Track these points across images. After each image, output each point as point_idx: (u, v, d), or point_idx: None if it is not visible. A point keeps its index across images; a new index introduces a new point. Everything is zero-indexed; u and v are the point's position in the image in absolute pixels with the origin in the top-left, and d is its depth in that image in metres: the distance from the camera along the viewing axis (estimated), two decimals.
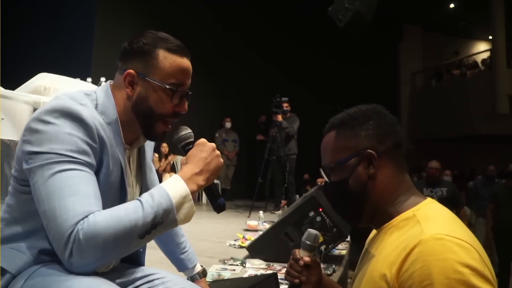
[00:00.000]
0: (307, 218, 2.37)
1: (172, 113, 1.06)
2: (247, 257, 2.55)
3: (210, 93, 7.80)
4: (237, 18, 8.20)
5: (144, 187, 1.17)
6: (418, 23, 12.56)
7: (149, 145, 1.22)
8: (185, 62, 1.06)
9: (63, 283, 0.87)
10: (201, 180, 0.98)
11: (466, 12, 11.81)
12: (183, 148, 1.07)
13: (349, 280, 2.70)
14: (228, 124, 7.72)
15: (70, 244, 0.84)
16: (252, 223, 3.87)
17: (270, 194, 6.40)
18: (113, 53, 1.11)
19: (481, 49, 13.16)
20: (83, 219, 0.85)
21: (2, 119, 1.79)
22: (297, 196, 5.36)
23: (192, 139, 1.08)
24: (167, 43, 1.04)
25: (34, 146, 0.91)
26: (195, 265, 1.40)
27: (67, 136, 0.91)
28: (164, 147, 6.52)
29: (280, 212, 4.81)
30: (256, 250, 2.53)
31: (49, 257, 0.94)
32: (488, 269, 0.78)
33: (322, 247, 2.32)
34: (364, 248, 1.02)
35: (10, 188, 1.00)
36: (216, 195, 1.05)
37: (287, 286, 1.11)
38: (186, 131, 1.08)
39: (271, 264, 2.40)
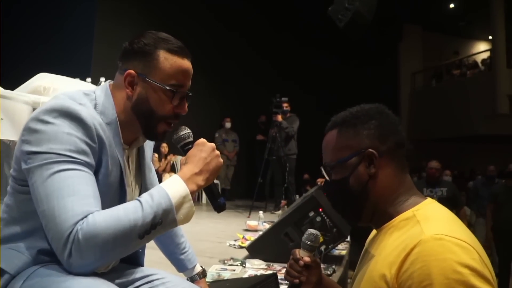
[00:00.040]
0: (307, 218, 2.37)
1: (172, 114, 1.05)
2: (247, 257, 2.55)
3: (210, 93, 7.80)
4: (237, 18, 8.20)
5: (143, 187, 1.17)
6: (418, 23, 12.56)
7: (149, 145, 1.21)
8: (186, 63, 1.06)
9: (62, 284, 0.87)
10: (200, 180, 0.98)
11: (466, 12, 11.81)
12: (183, 148, 1.07)
13: (349, 280, 2.70)
14: (228, 124, 7.72)
15: (69, 244, 0.84)
16: (252, 223, 3.87)
17: (270, 194, 6.40)
18: (113, 53, 1.10)
19: (481, 49, 13.16)
20: (82, 219, 0.85)
21: (2, 119, 1.79)
22: (297, 196, 5.36)
23: (191, 139, 1.07)
24: (168, 43, 1.04)
25: (33, 146, 0.91)
26: (195, 265, 1.40)
27: (66, 136, 0.91)
28: (164, 147, 6.52)
29: (280, 212, 4.81)
30: (256, 250, 2.53)
31: (48, 257, 0.94)
32: (487, 270, 0.78)
33: (322, 247, 2.32)
34: (364, 248, 1.02)
35: (8, 188, 1.00)
36: (216, 195, 1.04)
37: (287, 286, 1.10)
38: (186, 131, 1.08)
39: (271, 264, 2.39)
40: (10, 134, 1.86)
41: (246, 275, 2.15)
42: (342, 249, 2.93)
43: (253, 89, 7.98)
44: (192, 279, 1.38)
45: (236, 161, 7.84)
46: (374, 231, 1.00)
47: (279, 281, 1.65)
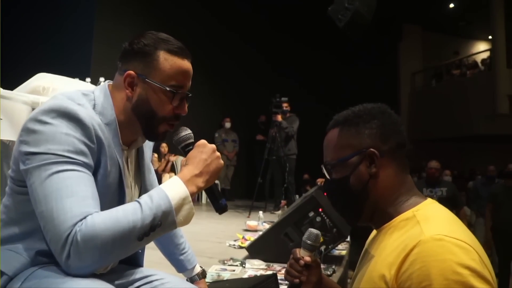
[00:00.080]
0: (307, 218, 2.37)
1: (172, 115, 1.05)
2: (246, 257, 2.54)
3: (210, 93, 7.80)
4: (237, 18, 8.19)
5: (143, 188, 1.16)
6: (418, 23, 12.56)
7: (148, 146, 1.21)
8: (186, 64, 1.05)
9: (61, 285, 0.86)
10: (200, 182, 0.98)
11: (466, 12, 11.81)
12: (183, 149, 1.07)
13: (349, 281, 2.70)
14: (227, 124, 7.72)
15: (68, 246, 0.83)
16: (252, 223, 3.87)
17: (269, 195, 6.39)
18: (113, 53, 1.10)
19: (481, 49, 13.16)
20: (81, 220, 0.85)
21: (1, 119, 1.78)
22: (297, 196, 5.36)
23: (192, 140, 1.07)
24: (168, 44, 1.03)
25: (31, 147, 0.90)
26: (195, 266, 1.39)
27: (64, 136, 0.91)
28: (164, 147, 6.52)
29: (279, 212, 4.81)
30: (255, 250, 2.53)
31: (46, 258, 0.93)
32: (487, 270, 0.77)
33: (322, 248, 2.32)
34: (364, 249, 1.02)
35: (7, 188, 1.00)
36: (218, 196, 1.04)
37: (286, 286, 1.10)
38: (186, 132, 1.08)
39: (271, 264, 2.39)
40: (9, 134, 1.86)
41: (246, 276, 2.15)
42: (342, 249, 2.93)
43: (253, 89, 7.97)
44: (191, 280, 1.38)
45: (236, 161, 7.84)
46: (374, 231, 1.00)
47: (279, 281, 1.65)
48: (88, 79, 3.10)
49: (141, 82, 1.02)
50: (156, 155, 6.41)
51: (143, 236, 0.88)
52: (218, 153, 1.02)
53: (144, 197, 0.91)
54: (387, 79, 11.36)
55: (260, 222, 3.83)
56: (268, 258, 2.45)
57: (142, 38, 1.03)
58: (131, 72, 1.02)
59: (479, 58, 12.14)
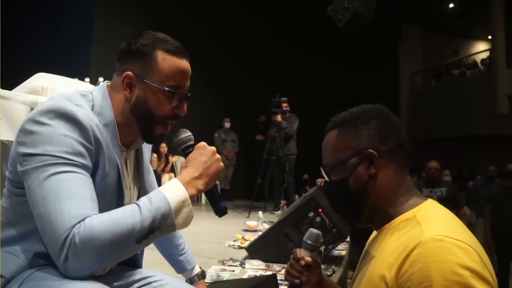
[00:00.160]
0: (307, 218, 2.36)
1: (171, 115, 1.04)
2: (246, 257, 2.54)
3: (209, 93, 7.79)
4: (237, 18, 8.19)
5: (141, 190, 1.16)
6: (418, 23, 12.56)
7: (147, 147, 1.20)
8: (184, 64, 1.04)
9: None
10: (200, 184, 0.97)
11: (465, 12, 11.80)
12: (183, 152, 1.06)
13: (348, 281, 2.70)
14: (227, 124, 7.71)
15: (66, 248, 0.83)
16: (252, 223, 3.86)
17: (269, 195, 6.39)
18: (112, 53, 1.09)
19: (481, 49, 13.16)
20: (79, 222, 0.84)
21: (0, 119, 1.78)
22: (297, 196, 5.35)
23: (192, 142, 1.07)
24: (166, 44, 1.03)
25: (28, 148, 0.90)
26: (194, 266, 1.39)
27: (62, 137, 0.90)
28: (163, 147, 6.51)
29: (279, 212, 4.80)
30: (255, 250, 2.53)
31: (44, 260, 0.93)
32: (488, 271, 0.77)
33: (322, 248, 2.32)
34: (365, 249, 1.02)
35: (4, 190, 0.99)
36: (218, 199, 1.03)
37: (286, 286, 1.10)
38: (186, 134, 1.07)
39: (271, 265, 2.39)
40: (8, 134, 1.85)
41: (245, 276, 2.15)
42: (341, 249, 2.93)
43: (253, 89, 7.97)
44: (191, 281, 1.38)
45: (236, 161, 7.84)
46: (374, 232, 1.00)
47: (279, 281, 1.64)
48: (87, 79, 3.10)
49: (140, 82, 1.02)
50: (155, 155, 6.40)
51: (141, 238, 0.88)
52: (218, 156, 1.02)
53: (143, 200, 0.91)
54: (386, 79, 11.36)
55: (259, 222, 3.83)
56: (267, 259, 2.44)
57: (140, 38, 1.03)
58: (129, 72, 1.01)
59: (479, 58, 12.14)
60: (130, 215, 0.87)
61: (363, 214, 0.95)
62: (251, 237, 3.19)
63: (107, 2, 7.11)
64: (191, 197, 0.95)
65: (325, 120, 1.02)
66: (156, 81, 1.01)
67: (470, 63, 12.12)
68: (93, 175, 0.95)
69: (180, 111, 1.06)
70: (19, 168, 0.91)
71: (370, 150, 0.91)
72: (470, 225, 6.06)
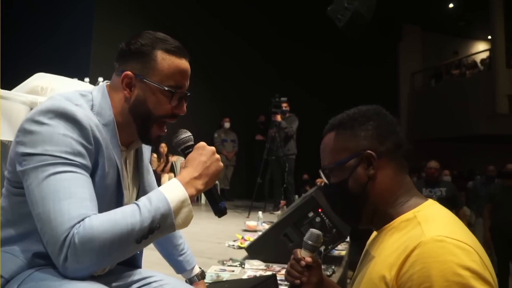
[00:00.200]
0: (307, 218, 2.36)
1: (170, 114, 1.04)
2: (246, 258, 2.54)
3: (209, 93, 7.79)
4: (236, 18, 8.19)
5: (141, 190, 1.16)
6: (418, 23, 12.56)
7: (147, 147, 1.20)
8: (184, 63, 1.04)
9: None
10: (200, 185, 0.97)
11: (465, 12, 11.82)
12: (183, 152, 1.06)
13: (348, 281, 2.69)
14: (227, 124, 7.71)
15: (65, 248, 0.83)
16: (251, 223, 3.86)
17: (269, 195, 6.39)
18: (112, 53, 1.09)
19: (481, 49, 13.17)
20: (78, 222, 0.84)
21: None
22: (296, 196, 5.35)
23: (191, 143, 1.06)
24: (165, 43, 1.02)
25: (28, 148, 0.89)
26: (194, 267, 1.39)
27: (61, 137, 0.90)
28: (163, 147, 6.51)
29: (279, 212, 4.80)
30: (255, 251, 2.52)
31: (43, 260, 0.92)
32: (488, 272, 0.77)
33: (322, 248, 2.31)
34: (365, 249, 1.02)
35: (3, 190, 0.99)
36: (217, 199, 1.03)
37: (287, 287, 1.10)
38: (186, 134, 1.07)
39: (270, 265, 2.39)
40: (8, 134, 1.85)
41: (245, 276, 2.14)
42: (341, 249, 2.92)
43: (252, 89, 7.97)
44: (190, 281, 1.37)
45: (235, 161, 7.84)
46: (374, 232, 1.00)
47: (279, 282, 1.64)
48: (87, 79, 3.10)
49: (139, 82, 1.02)
50: (155, 155, 6.40)
51: (141, 239, 0.87)
52: (217, 156, 1.02)
53: (143, 200, 0.91)
54: (386, 79, 11.36)
55: (259, 223, 3.82)
56: (267, 259, 2.44)
57: (139, 38, 1.03)
58: (129, 72, 1.01)
59: (479, 58, 12.15)
60: (129, 215, 0.87)
61: (363, 216, 0.95)
62: (251, 237, 3.19)
63: (107, 2, 7.10)
64: (191, 197, 0.95)
65: (325, 120, 1.02)
66: (155, 81, 1.01)
67: (470, 63, 12.13)
68: (92, 175, 0.95)
69: (180, 110, 1.05)
70: (18, 168, 0.90)
71: (369, 151, 0.91)
72: (470, 225, 6.06)
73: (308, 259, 1.04)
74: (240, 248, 2.99)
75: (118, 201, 1.02)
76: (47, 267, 0.92)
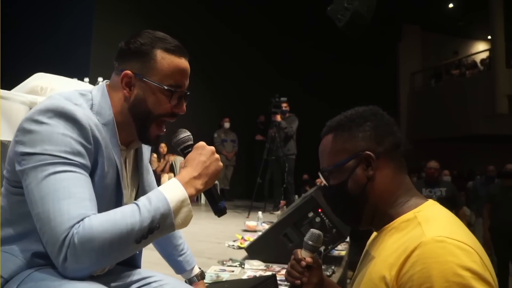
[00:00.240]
0: (307, 219, 2.36)
1: (170, 113, 1.04)
2: (246, 258, 2.54)
3: (209, 93, 7.79)
4: (236, 18, 8.18)
5: (140, 189, 1.15)
6: (417, 23, 12.57)
7: (147, 147, 1.20)
8: (183, 63, 1.04)
9: None
10: (199, 184, 0.97)
11: (465, 12, 11.82)
12: (182, 152, 1.06)
13: (348, 281, 2.69)
14: (227, 124, 7.71)
15: (65, 248, 0.82)
16: (251, 223, 3.86)
17: (269, 195, 6.39)
18: (111, 53, 1.09)
19: (480, 49, 13.17)
20: (78, 222, 0.84)
21: None
22: (296, 196, 5.35)
23: (191, 142, 1.06)
24: (165, 43, 1.02)
25: (27, 147, 0.89)
26: (193, 267, 1.39)
27: (61, 136, 0.90)
28: (163, 147, 6.51)
29: (279, 212, 4.80)
30: (255, 251, 2.52)
31: (43, 260, 0.92)
32: (488, 272, 0.77)
33: (322, 248, 2.31)
34: (365, 250, 1.02)
35: (2, 189, 0.99)
36: (217, 199, 1.03)
37: (287, 287, 1.09)
38: (185, 134, 1.07)
39: (270, 265, 2.38)
40: (7, 134, 1.84)
41: (245, 276, 2.14)
42: (341, 249, 2.92)
43: (252, 89, 7.97)
44: (190, 281, 1.37)
45: (235, 162, 7.83)
46: (375, 233, 1.00)
47: (278, 282, 1.64)
48: (87, 79, 3.10)
49: (139, 81, 1.01)
50: (155, 155, 6.40)
51: (141, 238, 0.87)
52: (217, 155, 1.02)
53: (143, 199, 0.91)
54: (386, 79, 11.36)
55: (259, 223, 3.82)
56: (267, 259, 2.44)
57: (138, 37, 1.02)
58: (128, 72, 1.01)
59: (479, 58, 12.16)
60: (129, 215, 0.87)
61: (363, 217, 0.95)
62: (251, 237, 3.19)
63: (106, 2, 7.10)
64: (190, 197, 0.94)
65: (325, 120, 1.02)
66: (155, 80, 1.01)
67: (469, 63, 12.13)
68: (92, 175, 0.94)
69: (180, 110, 1.05)
70: (18, 167, 0.90)
71: (367, 152, 0.91)
72: (469, 225, 6.06)
73: (309, 259, 1.04)
74: (240, 248, 2.99)
75: (117, 201, 1.02)
76: (46, 267, 0.92)
